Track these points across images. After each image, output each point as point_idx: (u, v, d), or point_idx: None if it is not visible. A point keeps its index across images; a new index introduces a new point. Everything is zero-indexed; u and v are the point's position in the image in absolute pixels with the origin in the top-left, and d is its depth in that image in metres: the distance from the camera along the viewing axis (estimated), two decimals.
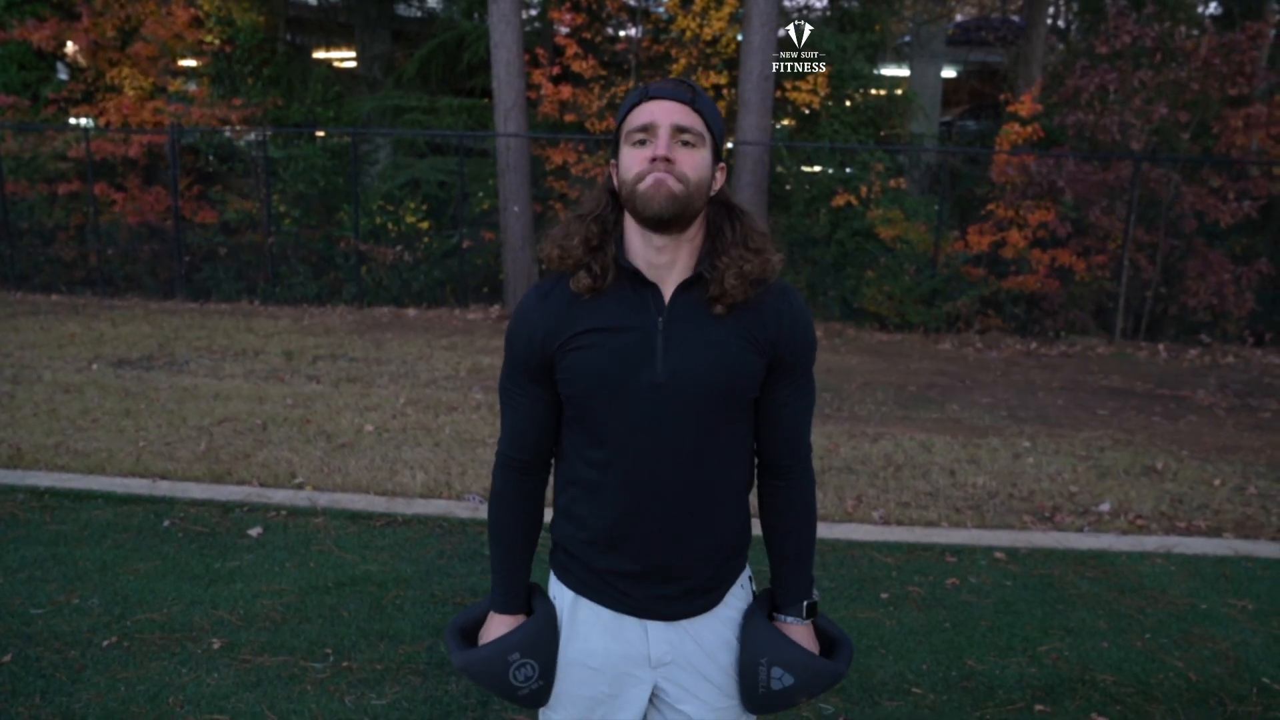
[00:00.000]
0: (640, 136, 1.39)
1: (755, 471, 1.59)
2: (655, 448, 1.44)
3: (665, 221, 1.39)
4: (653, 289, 1.44)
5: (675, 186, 1.37)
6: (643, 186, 1.38)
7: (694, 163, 1.39)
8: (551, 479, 1.61)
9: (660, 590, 1.51)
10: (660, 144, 1.37)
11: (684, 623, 1.54)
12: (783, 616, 1.58)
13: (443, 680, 2.85)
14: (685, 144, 1.39)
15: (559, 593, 1.59)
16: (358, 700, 2.73)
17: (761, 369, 1.47)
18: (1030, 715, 2.78)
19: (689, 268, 1.46)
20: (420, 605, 3.36)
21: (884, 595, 3.58)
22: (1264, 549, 4.23)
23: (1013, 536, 4.29)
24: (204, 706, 2.67)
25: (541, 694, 1.55)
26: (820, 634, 1.63)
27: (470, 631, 1.63)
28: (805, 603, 1.58)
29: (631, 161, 1.40)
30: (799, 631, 1.58)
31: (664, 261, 1.44)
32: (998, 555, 4.03)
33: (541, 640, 1.54)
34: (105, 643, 3.00)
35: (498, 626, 1.57)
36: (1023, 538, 4.27)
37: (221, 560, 3.70)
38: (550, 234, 1.50)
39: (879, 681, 2.93)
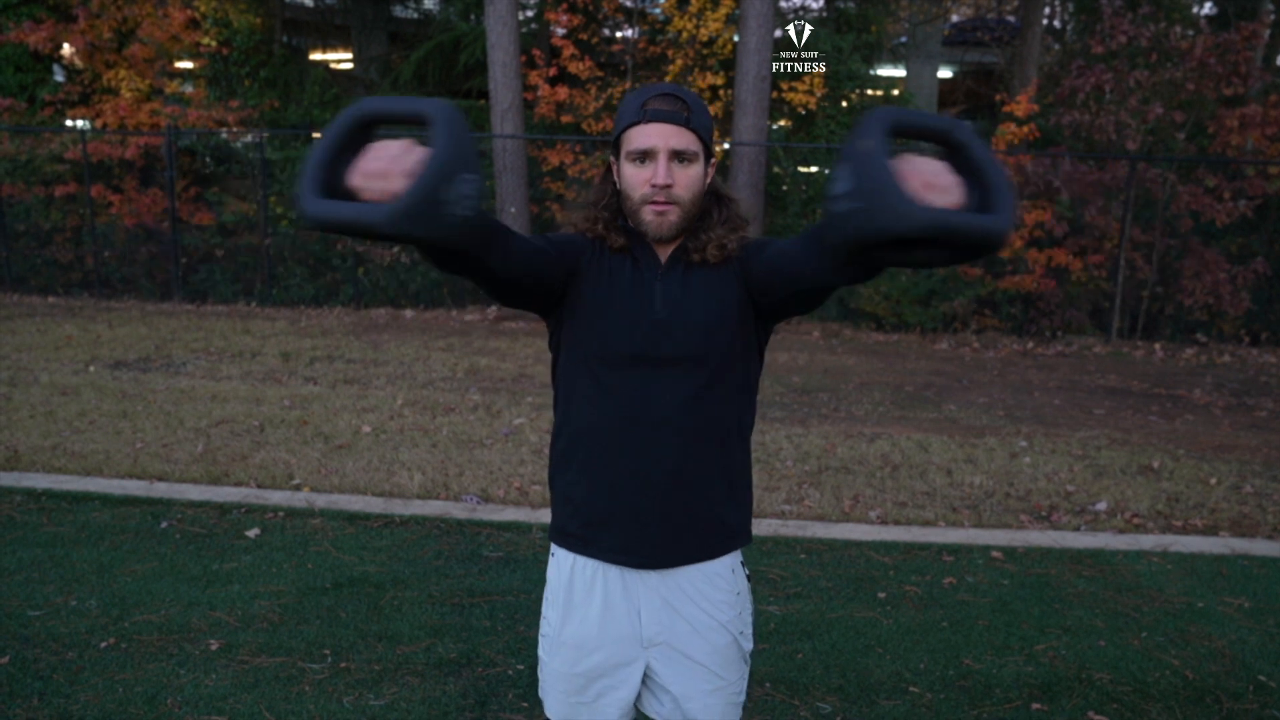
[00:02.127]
0: (640, 157, 1.54)
1: (752, 419, 1.69)
2: (652, 381, 1.56)
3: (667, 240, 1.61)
4: (652, 251, 1.63)
5: (674, 217, 1.56)
6: (648, 218, 1.56)
7: (690, 179, 1.56)
8: (549, 467, 1.71)
9: (655, 526, 1.58)
10: (660, 172, 1.52)
11: (675, 601, 1.61)
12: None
13: (441, 681, 2.85)
14: (681, 162, 1.54)
15: (557, 568, 1.68)
16: (356, 701, 2.73)
17: (743, 302, 1.59)
18: (1027, 714, 2.78)
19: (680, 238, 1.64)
20: (418, 606, 3.36)
21: (881, 595, 3.59)
22: (1260, 547, 4.24)
23: (1009, 536, 4.30)
24: (202, 708, 2.67)
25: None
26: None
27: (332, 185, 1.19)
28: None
29: (634, 181, 1.56)
30: (914, 161, 1.18)
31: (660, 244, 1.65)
32: (994, 554, 4.04)
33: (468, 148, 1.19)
34: (103, 644, 3.00)
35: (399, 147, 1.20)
36: (1019, 537, 4.28)
37: (219, 561, 3.70)
38: (576, 223, 1.66)
39: (876, 681, 2.94)
